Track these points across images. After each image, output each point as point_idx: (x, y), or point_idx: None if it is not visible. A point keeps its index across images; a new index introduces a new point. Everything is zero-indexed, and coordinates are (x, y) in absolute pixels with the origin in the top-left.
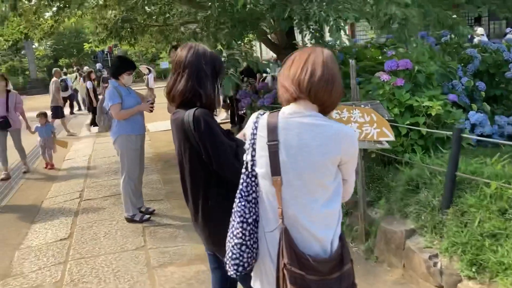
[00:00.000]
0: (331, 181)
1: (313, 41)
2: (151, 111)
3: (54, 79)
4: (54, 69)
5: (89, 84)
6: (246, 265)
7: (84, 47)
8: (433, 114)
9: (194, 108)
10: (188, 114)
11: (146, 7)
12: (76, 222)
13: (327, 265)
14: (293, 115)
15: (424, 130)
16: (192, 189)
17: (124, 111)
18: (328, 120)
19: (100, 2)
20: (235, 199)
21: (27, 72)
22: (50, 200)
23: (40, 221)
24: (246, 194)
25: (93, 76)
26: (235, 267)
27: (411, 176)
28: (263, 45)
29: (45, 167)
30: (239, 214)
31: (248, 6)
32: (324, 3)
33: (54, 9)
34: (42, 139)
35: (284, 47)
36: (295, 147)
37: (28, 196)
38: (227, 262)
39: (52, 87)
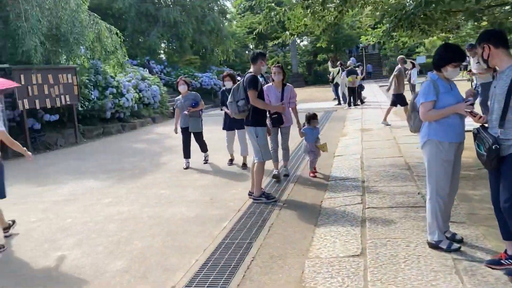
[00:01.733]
0: None
1: None
2: (471, 113)
3: (398, 66)
4: (399, 56)
5: (414, 72)
6: None
7: (361, 40)
8: None
9: None
10: None
11: None
12: (365, 235)
13: None
14: None
15: None
16: None
17: (434, 111)
18: None
19: None
20: None
21: (289, 67)
22: (329, 201)
23: (324, 225)
24: None
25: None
26: None
27: None
28: None
29: (309, 174)
30: None
31: None
32: None
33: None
34: (309, 144)
35: None
36: None
37: (306, 193)
38: None
39: (395, 75)
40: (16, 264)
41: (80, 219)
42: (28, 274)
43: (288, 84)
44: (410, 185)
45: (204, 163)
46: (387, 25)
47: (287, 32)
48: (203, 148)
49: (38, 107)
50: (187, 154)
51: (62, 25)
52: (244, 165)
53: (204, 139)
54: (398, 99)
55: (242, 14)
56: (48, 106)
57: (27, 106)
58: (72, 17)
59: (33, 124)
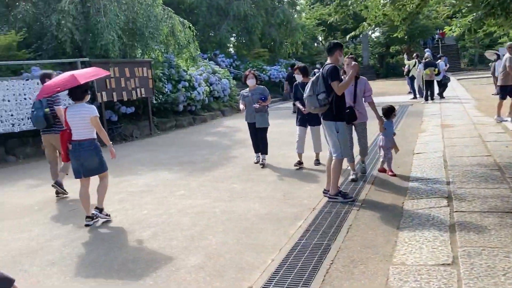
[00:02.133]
0: None
1: None
2: None
3: (507, 55)
4: (509, 43)
5: (498, 64)
6: None
7: (444, 30)
8: None
9: None
10: None
11: None
12: (456, 242)
13: None
14: None
15: None
16: None
17: None
18: None
19: None
20: None
21: (360, 59)
22: (411, 202)
23: (407, 228)
24: None
25: None
26: None
27: None
28: None
29: (388, 173)
30: None
31: None
32: None
33: None
34: (386, 139)
35: None
36: None
37: (385, 193)
38: None
39: (506, 63)
40: (95, 254)
41: (155, 211)
42: (106, 265)
43: (361, 77)
44: (503, 188)
45: (261, 167)
46: (479, 12)
47: (365, 23)
48: (264, 149)
49: (115, 99)
50: (257, 148)
51: (138, 19)
52: (317, 161)
53: (267, 136)
54: (503, 91)
55: (312, 6)
56: (125, 98)
57: (105, 99)
58: (148, 12)
59: (111, 116)
